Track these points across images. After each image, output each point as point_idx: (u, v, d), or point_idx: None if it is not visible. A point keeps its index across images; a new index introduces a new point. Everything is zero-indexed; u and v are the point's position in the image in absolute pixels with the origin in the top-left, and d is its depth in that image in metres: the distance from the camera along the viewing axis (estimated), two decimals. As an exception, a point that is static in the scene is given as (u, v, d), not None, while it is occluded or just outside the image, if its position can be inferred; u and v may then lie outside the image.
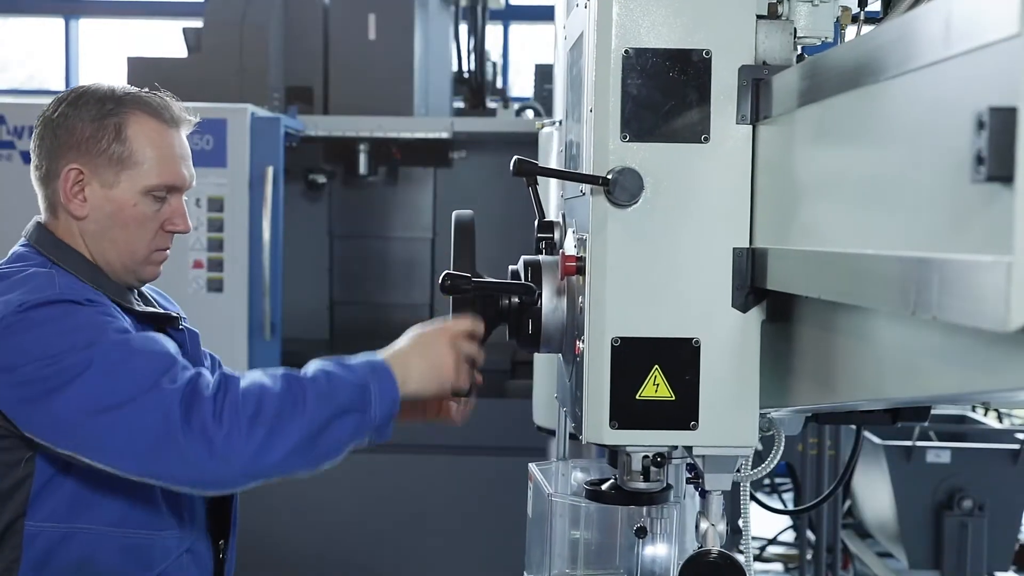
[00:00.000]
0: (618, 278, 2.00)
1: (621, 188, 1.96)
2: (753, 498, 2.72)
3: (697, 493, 2.21)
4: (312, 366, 2.27)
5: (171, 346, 2.27)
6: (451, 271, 2.20)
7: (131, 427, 2.13)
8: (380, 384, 2.25)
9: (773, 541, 7.80)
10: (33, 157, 2.45)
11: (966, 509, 6.51)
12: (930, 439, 6.93)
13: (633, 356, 2.01)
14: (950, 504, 6.53)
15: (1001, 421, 8.34)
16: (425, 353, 2.31)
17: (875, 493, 6.98)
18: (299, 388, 2.19)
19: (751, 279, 1.99)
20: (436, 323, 2.36)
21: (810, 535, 6.78)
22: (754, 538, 7.83)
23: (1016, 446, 6.58)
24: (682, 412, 2.01)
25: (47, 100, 2.51)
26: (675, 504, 2.24)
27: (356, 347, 2.40)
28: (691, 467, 2.24)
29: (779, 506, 7.85)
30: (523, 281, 2.24)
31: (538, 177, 2.20)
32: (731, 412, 2.02)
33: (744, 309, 2.00)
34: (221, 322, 5.94)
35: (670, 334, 2.01)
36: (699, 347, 2.00)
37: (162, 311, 2.50)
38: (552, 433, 4.60)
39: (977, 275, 1.11)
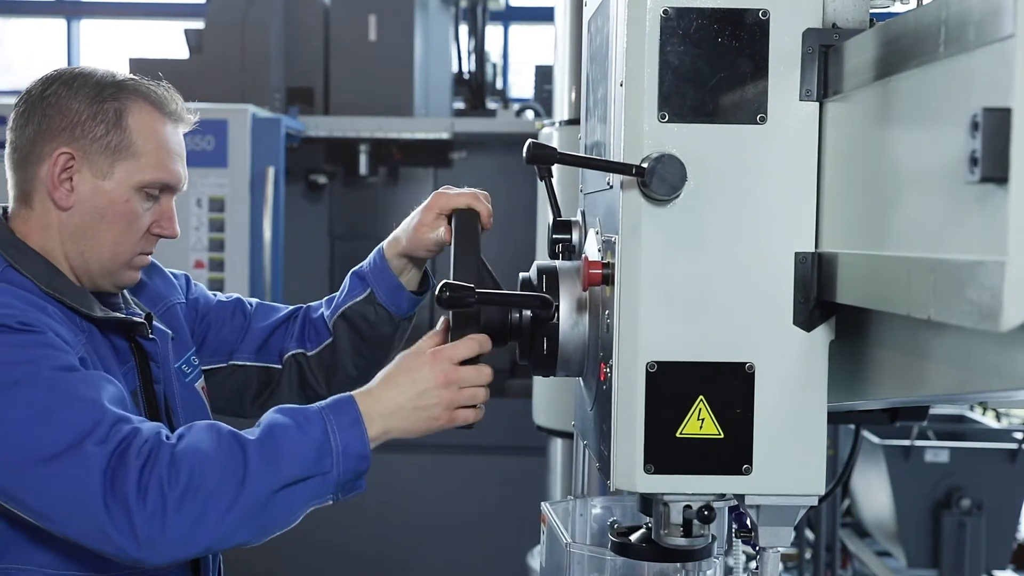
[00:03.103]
0: (654, 289, 1.54)
1: (659, 179, 1.49)
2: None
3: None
4: (265, 419, 1.85)
5: (107, 391, 1.85)
6: (450, 280, 1.72)
7: (50, 488, 1.76)
8: (344, 436, 1.83)
9: (771, 539, 7.40)
10: (11, 137, 2.06)
11: (964, 508, 6.26)
12: (929, 438, 6.69)
13: (673, 384, 1.55)
14: (948, 503, 6.27)
15: (999, 420, 8.09)
16: (408, 389, 1.87)
17: (874, 492, 6.72)
18: (239, 451, 1.77)
19: (817, 291, 1.53)
20: (425, 343, 1.91)
21: (809, 534, 6.51)
22: (753, 537, 7.47)
23: (1014, 445, 6.33)
24: (732, 453, 1.56)
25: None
26: (717, 557, 1.76)
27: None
28: (733, 509, 1.77)
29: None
30: (537, 292, 1.77)
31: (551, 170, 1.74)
32: (792, 452, 1.56)
33: (808, 327, 1.55)
34: (222, 322, 5.61)
35: (718, 358, 1.56)
36: (753, 373, 1.55)
37: (124, 317, 2.08)
38: (553, 433, 4.36)
39: (972, 275, 1.05)
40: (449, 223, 2.11)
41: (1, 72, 12.09)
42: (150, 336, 2.11)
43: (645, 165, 1.50)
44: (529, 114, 6.77)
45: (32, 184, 2.03)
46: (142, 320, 2.10)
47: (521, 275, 1.86)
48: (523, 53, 11.17)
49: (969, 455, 6.33)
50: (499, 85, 8.05)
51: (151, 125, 2.04)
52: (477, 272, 1.85)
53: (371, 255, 2.33)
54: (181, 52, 6.63)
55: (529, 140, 1.62)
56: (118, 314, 2.09)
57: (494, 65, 7.72)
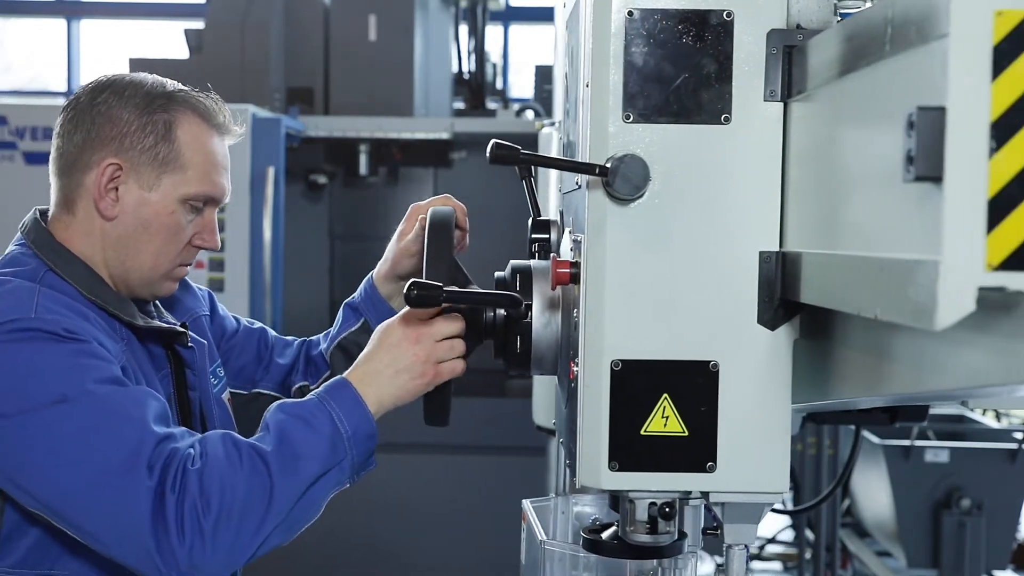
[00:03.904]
0: (619, 289, 1.55)
1: (623, 179, 1.50)
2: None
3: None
4: (272, 421, 1.87)
5: (152, 408, 1.86)
6: (419, 279, 1.73)
7: (99, 509, 1.79)
8: (351, 419, 1.86)
9: (772, 540, 7.47)
10: (57, 143, 2.06)
11: (964, 508, 6.25)
12: (928, 438, 6.68)
13: (637, 382, 1.56)
14: (948, 503, 6.27)
15: (999, 420, 8.04)
16: (384, 356, 1.90)
17: (874, 492, 6.70)
18: (261, 466, 1.81)
19: (781, 290, 1.54)
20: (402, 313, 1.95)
21: (809, 534, 6.53)
22: (753, 537, 7.46)
23: (1014, 445, 6.33)
24: (697, 451, 1.57)
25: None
26: (691, 554, 1.77)
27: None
28: (709, 507, 1.77)
29: (778, 505, 7.46)
30: (508, 291, 1.78)
31: (534, 170, 1.75)
32: (756, 450, 1.58)
33: (772, 326, 1.56)
34: (223, 322, 5.62)
35: (682, 356, 1.56)
36: (717, 372, 1.56)
37: (167, 326, 2.10)
38: (553, 433, 4.35)
39: (912, 274, 1.07)
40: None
41: (1, 72, 12.14)
42: (189, 345, 2.12)
43: (609, 165, 1.50)
44: (529, 114, 6.76)
45: (77, 192, 2.02)
46: (183, 330, 2.11)
47: (496, 274, 1.87)
48: (523, 53, 11.18)
49: (969, 455, 6.33)
50: (499, 85, 8.01)
51: (199, 138, 2.03)
52: (448, 271, 1.86)
53: (361, 285, 2.35)
54: (181, 52, 6.62)
55: (492, 140, 1.63)
56: (160, 323, 2.10)
57: (494, 65, 7.68)
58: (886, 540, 6.75)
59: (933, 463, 6.28)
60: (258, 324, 2.46)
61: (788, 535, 7.44)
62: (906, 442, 6.27)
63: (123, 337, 2.00)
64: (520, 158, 1.60)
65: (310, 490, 1.83)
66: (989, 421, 7.54)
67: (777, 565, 7.41)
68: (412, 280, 1.71)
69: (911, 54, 1.10)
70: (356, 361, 1.94)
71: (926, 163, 1.02)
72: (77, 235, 2.03)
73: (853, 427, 3.24)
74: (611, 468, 1.56)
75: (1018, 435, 6.61)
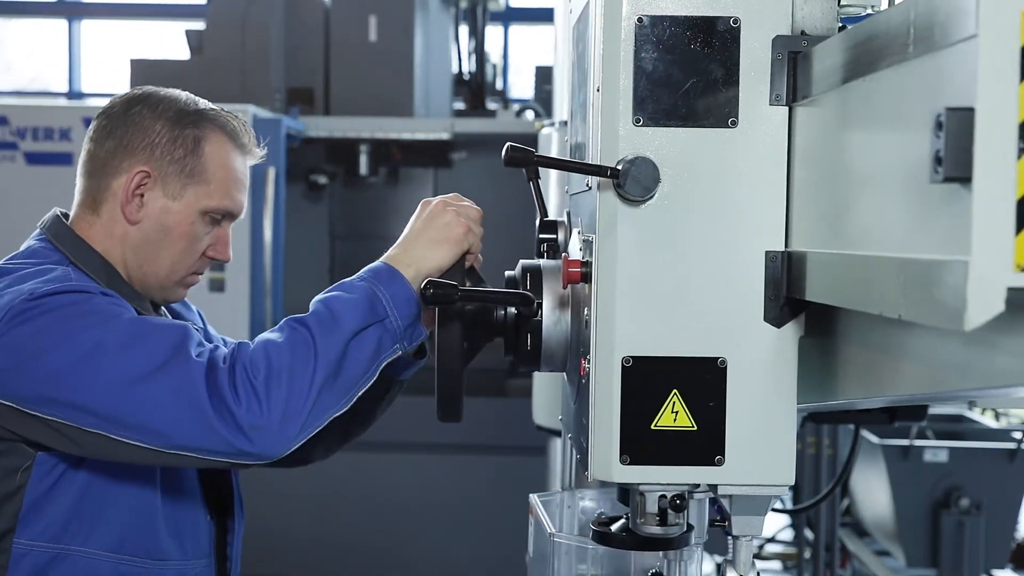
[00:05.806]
0: (629, 287, 1.60)
1: (633, 181, 1.56)
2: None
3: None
4: (312, 303, 2.00)
5: (191, 325, 2.02)
6: (435, 278, 1.79)
7: (158, 398, 1.89)
8: (389, 287, 1.96)
9: (771, 540, 7.52)
10: (89, 147, 2.18)
11: (963, 508, 6.32)
12: (928, 438, 6.76)
13: (647, 378, 1.61)
14: (947, 503, 6.33)
15: (999, 420, 8.09)
16: (428, 228, 2.02)
17: (873, 492, 6.76)
18: (302, 329, 1.92)
19: (787, 288, 1.59)
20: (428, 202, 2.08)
21: (808, 533, 6.58)
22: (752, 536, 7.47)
23: (1013, 445, 6.39)
24: (705, 444, 1.62)
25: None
26: (697, 546, 1.82)
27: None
28: (713, 501, 1.83)
29: (777, 505, 7.51)
30: (520, 290, 1.83)
31: (539, 170, 1.81)
32: (763, 444, 1.62)
33: (779, 324, 1.60)
34: (223, 322, 5.70)
35: (691, 353, 1.61)
36: (725, 368, 1.61)
37: (182, 323, 2.19)
38: (553, 432, 4.38)
39: (938, 275, 1.07)
40: None
41: (2, 72, 12.18)
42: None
43: (620, 167, 1.56)
44: (529, 114, 6.81)
45: (104, 194, 2.13)
46: (199, 326, 2.22)
47: (507, 273, 1.93)
48: (523, 54, 11.24)
49: (968, 455, 6.39)
50: (499, 85, 8.08)
51: (224, 155, 2.15)
52: (462, 269, 1.93)
53: None
54: (182, 53, 6.69)
55: (507, 143, 1.68)
56: (167, 317, 2.21)
57: (494, 66, 7.74)
58: (885, 539, 6.80)
59: (932, 463, 6.33)
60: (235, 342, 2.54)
61: (787, 534, 7.48)
62: (905, 442, 6.32)
63: None
64: (534, 160, 1.65)
65: (353, 343, 1.92)
66: (988, 421, 7.59)
67: (776, 564, 7.45)
68: (428, 279, 1.77)
69: (935, 56, 1.11)
70: (398, 242, 2.05)
71: (955, 164, 1.03)
72: (99, 235, 2.14)
73: (852, 427, 3.29)
74: (622, 462, 1.61)
75: (1017, 435, 6.66)
